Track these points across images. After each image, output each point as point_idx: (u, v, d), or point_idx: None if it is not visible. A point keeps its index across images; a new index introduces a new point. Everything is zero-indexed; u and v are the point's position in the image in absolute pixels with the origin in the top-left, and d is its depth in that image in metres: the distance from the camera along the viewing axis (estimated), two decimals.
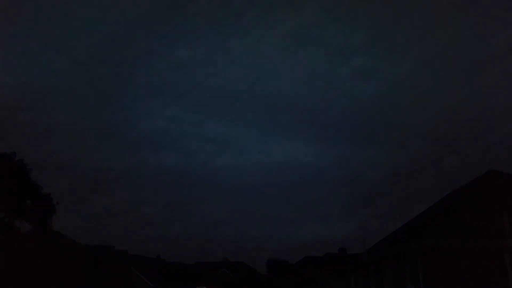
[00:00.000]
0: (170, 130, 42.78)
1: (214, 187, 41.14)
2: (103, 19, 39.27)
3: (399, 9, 37.88)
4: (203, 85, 43.65)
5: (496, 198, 9.70)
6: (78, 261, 15.27)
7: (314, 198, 39.80)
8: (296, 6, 39.94)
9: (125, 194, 38.72)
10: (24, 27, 36.81)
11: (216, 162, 42.77)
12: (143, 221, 38.70)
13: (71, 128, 37.95)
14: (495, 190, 9.86)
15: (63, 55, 39.32)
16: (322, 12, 40.08)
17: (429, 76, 39.33)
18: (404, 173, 37.96)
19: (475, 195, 9.99)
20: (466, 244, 9.29)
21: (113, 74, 41.67)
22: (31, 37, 38.51)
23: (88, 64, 40.22)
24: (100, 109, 40.72)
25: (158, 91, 43.33)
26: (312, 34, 41.16)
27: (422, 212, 12.78)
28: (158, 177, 40.18)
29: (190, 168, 42.66)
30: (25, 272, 13.49)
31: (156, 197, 39.90)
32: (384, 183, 37.51)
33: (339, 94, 41.83)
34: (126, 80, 41.84)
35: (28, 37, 37.71)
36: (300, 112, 43.05)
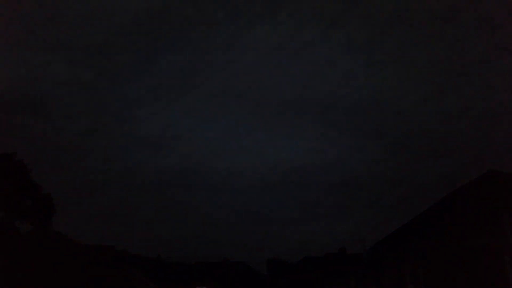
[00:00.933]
0: (169, 131, 42.84)
1: (214, 187, 41.20)
2: (100, 23, 39.35)
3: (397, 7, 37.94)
4: (201, 87, 43.76)
5: (496, 198, 9.69)
6: (78, 261, 15.28)
7: (314, 197, 39.83)
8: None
9: (126, 194, 38.74)
10: (21, 30, 36.90)
11: (215, 162, 42.84)
12: (143, 221, 38.72)
13: (71, 129, 37.97)
14: (495, 190, 9.86)
15: (61, 57, 39.40)
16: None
17: (428, 76, 39.36)
18: (404, 172, 37.96)
19: (475, 195, 9.98)
20: (466, 244, 9.29)
21: (114, 75, 41.75)
22: (29, 38, 38.57)
23: (87, 66, 40.29)
24: (99, 109, 40.78)
25: (157, 93, 43.44)
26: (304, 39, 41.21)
27: (422, 212, 12.78)
28: (158, 177, 40.23)
29: (190, 168, 42.72)
30: (25, 272, 13.49)
31: (157, 197, 39.94)
32: (384, 182, 37.53)
33: (336, 94, 41.86)
34: (125, 81, 41.93)
35: (26, 38, 37.77)
36: (296, 112, 43.14)
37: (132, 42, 41.29)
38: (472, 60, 36.38)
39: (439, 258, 9.28)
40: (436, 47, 38.52)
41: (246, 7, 41.22)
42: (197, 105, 44.13)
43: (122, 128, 40.94)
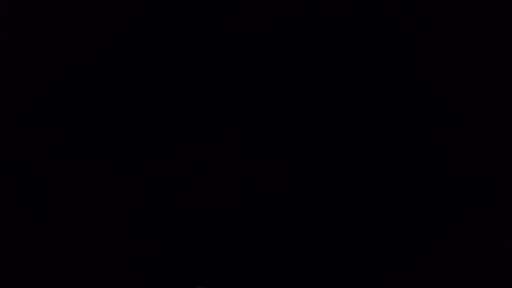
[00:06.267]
0: None
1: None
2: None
3: None
4: None
5: (496, 199, 9.77)
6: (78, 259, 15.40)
7: None
8: None
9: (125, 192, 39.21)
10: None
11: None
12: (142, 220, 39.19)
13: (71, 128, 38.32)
14: (495, 190, 9.94)
15: (60, 56, 39.82)
16: None
17: None
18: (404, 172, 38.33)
19: (475, 195, 10.06)
20: (465, 244, 9.38)
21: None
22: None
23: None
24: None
25: None
26: None
27: (422, 211, 12.88)
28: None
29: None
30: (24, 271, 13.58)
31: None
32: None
33: None
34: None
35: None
36: None
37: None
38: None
39: (439, 258, 9.38)
40: None
41: None
42: None
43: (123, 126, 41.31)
